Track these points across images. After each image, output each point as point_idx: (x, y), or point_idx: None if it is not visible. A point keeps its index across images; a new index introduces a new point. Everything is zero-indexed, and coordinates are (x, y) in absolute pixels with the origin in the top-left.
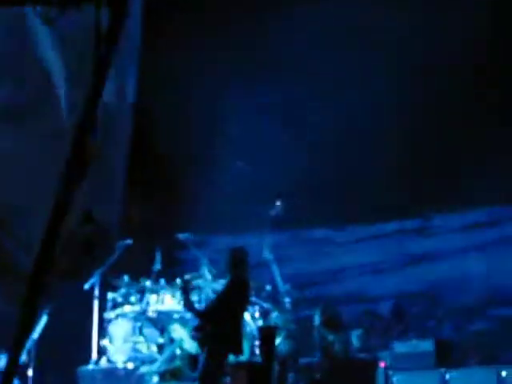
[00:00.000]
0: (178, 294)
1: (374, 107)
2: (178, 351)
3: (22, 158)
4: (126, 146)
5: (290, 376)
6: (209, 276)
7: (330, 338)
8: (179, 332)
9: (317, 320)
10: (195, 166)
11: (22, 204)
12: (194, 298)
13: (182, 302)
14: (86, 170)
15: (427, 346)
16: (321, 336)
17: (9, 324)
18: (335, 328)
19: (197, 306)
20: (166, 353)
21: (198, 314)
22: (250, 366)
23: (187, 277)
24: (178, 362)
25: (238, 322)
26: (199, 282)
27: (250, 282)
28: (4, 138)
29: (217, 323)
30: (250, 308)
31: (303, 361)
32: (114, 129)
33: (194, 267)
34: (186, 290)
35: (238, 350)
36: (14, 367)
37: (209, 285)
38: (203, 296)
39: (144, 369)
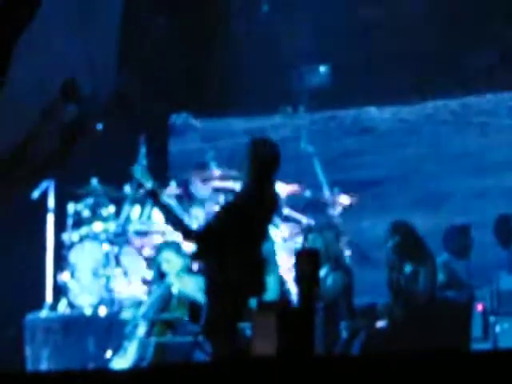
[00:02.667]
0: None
1: None
2: (175, 290)
3: None
4: None
5: (341, 324)
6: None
7: (408, 268)
8: (174, 264)
9: (388, 241)
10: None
11: None
12: (198, 212)
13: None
14: (33, 11)
15: None
16: (392, 265)
17: None
18: (417, 253)
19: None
20: (156, 293)
21: (193, 235)
22: (280, 309)
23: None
24: (174, 307)
25: (258, 244)
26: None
27: (277, 194)
28: None
29: (225, 248)
30: (279, 224)
31: (360, 302)
32: None
33: (196, 164)
34: (156, 195)
35: (257, 286)
36: None
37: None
38: (209, 209)
39: (124, 316)
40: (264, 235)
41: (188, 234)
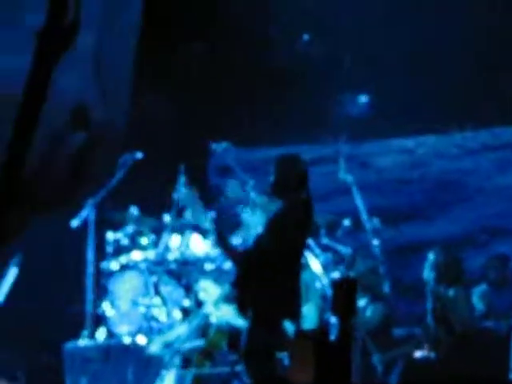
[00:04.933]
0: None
1: None
2: (213, 319)
3: None
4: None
5: (376, 357)
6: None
7: (451, 293)
8: (211, 293)
9: (427, 269)
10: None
11: None
12: (237, 240)
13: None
14: (69, 41)
15: None
16: (436, 293)
17: None
18: (458, 280)
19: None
20: (194, 322)
21: (235, 257)
22: (318, 340)
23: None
24: (211, 336)
25: (296, 270)
26: (244, 215)
27: (313, 209)
28: None
29: (264, 273)
30: (319, 254)
31: (398, 332)
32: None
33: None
34: (218, 223)
35: (293, 312)
36: None
37: (257, 220)
38: (250, 237)
39: (162, 345)
40: (302, 254)
41: (233, 257)
